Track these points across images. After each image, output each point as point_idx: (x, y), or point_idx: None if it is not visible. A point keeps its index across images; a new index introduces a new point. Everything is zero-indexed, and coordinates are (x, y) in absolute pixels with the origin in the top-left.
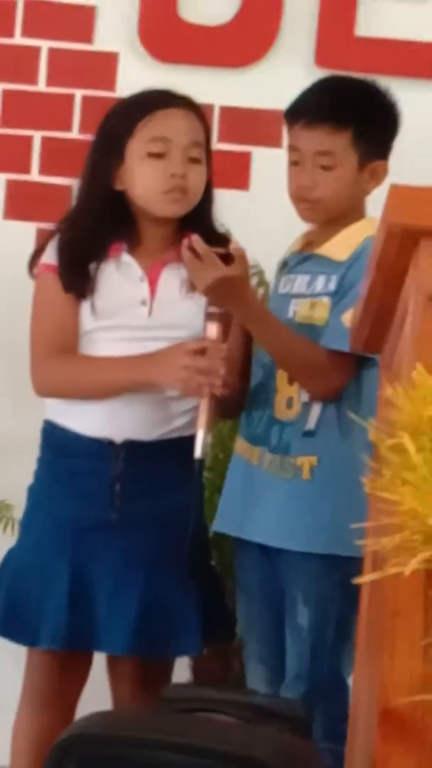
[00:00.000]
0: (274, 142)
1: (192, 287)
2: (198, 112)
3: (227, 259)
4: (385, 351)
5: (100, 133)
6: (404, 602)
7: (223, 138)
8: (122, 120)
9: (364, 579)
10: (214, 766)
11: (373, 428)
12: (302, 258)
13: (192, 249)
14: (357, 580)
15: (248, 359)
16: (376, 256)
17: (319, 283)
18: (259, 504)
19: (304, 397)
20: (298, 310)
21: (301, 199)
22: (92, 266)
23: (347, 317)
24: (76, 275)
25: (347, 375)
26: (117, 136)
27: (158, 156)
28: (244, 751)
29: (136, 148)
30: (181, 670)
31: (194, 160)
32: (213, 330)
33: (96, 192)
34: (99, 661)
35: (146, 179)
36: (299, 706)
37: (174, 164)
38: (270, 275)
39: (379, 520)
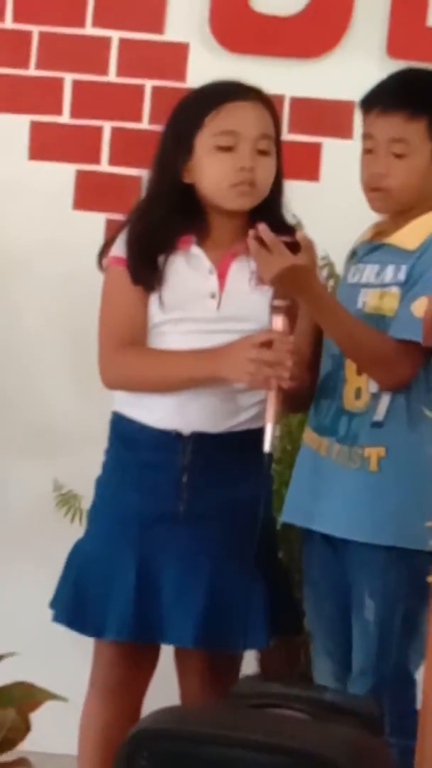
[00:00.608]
0: (344, 133)
1: (260, 279)
2: (267, 103)
3: (294, 248)
4: None
5: (169, 125)
6: None
7: (293, 129)
8: (191, 113)
9: None
10: (283, 762)
11: None
12: (372, 247)
13: (259, 238)
14: (430, 579)
15: (317, 351)
16: None
17: (389, 272)
18: (327, 494)
19: (373, 387)
20: (367, 300)
21: (373, 187)
22: (161, 259)
23: (416, 307)
24: (145, 268)
25: (416, 365)
26: (185, 129)
27: (227, 149)
28: (313, 749)
29: (205, 141)
30: (249, 663)
31: (263, 153)
32: (279, 322)
33: (165, 185)
34: (168, 653)
35: (215, 173)
36: (370, 702)
37: (242, 157)
38: (340, 267)
39: None
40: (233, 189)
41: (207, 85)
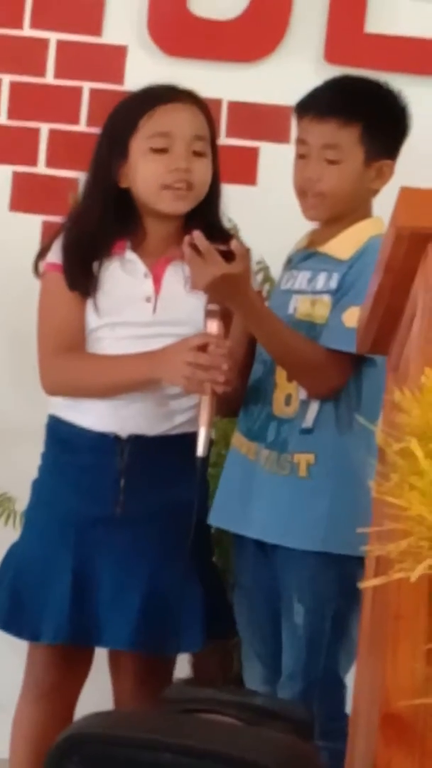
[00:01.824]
0: (282, 137)
1: (193, 284)
2: (202, 105)
3: (229, 256)
4: (392, 352)
5: (104, 130)
6: (407, 605)
7: (231, 133)
8: (124, 117)
9: (369, 584)
10: None
11: (380, 432)
12: (305, 255)
13: (193, 245)
14: (361, 585)
15: (250, 356)
16: (385, 258)
17: (321, 280)
18: (256, 500)
19: (303, 394)
20: (298, 306)
21: (305, 192)
22: (96, 264)
23: (347, 316)
24: (81, 273)
25: (346, 374)
26: (120, 133)
27: (161, 151)
28: (245, 754)
29: (139, 144)
30: (181, 666)
31: (198, 154)
32: (213, 327)
33: (100, 190)
34: (100, 656)
35: (149, 175)
36: (301, 707)
37: (177, 158)
38: (275, 271)
39: (384, 524)
40: (168, 191)
41: (141, 89)
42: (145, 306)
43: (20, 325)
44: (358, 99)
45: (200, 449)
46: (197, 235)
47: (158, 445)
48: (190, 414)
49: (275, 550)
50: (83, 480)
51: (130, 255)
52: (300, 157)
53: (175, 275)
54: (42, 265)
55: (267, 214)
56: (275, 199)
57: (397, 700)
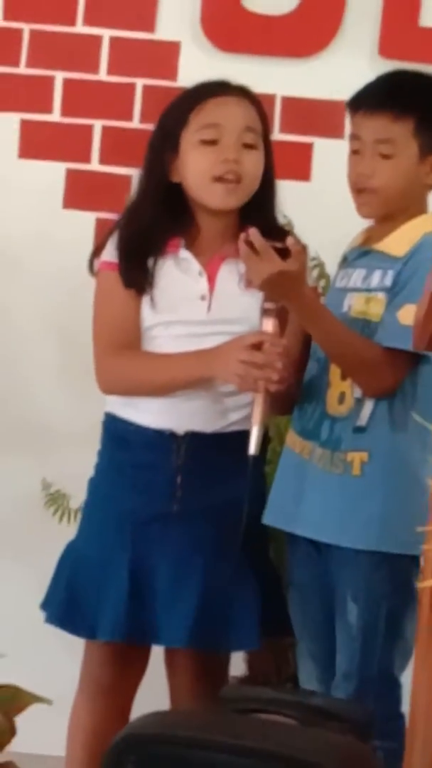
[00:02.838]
0: (336, 132)
1: (249, 282)
2: (253, 99)
3: (285, 253)
4: None
5: (157, 127)
6: None
7: (284, 128)
8: (176, 111)
9: (427, 584)
10: None
11: None
12: (361, 253)
13: (249, 242)
14: (418, 584)
15: (305, 355)
16: None
17: (375, 278)
18: (309, 498)
19: (357, 392)
20: (353, 304)
21: (359, 188)
22: (150, 261)
23: (402, 314)
24: (136, 271)
25: (402, 373)
26: (171, 128)
27: (211, 143)
28: (300, 754)
29: (190, 137)
30: (237, 664)
31: (249, 146)
32: (269, 325)
33: (153, 186)
34: (158, 654)
35: (198, 166)
36: (359, 707)
37: (226, 149)
38: (330, 267)
39: None
40: (218, 185)
41: (192, 85)
42: (200, 304)
43: (73, 323)
44: (411, 93)
45: (252, 447)
46: (253, 232)
47: (214, 442)
48: (246, 411)
49: (329, 549)
50: (140, 477)
51: (184, 253)
52: (354, 152)
53: (230, 273)
54: (97, 264)
55: (321, 210)
56: (329, 195)
57: None
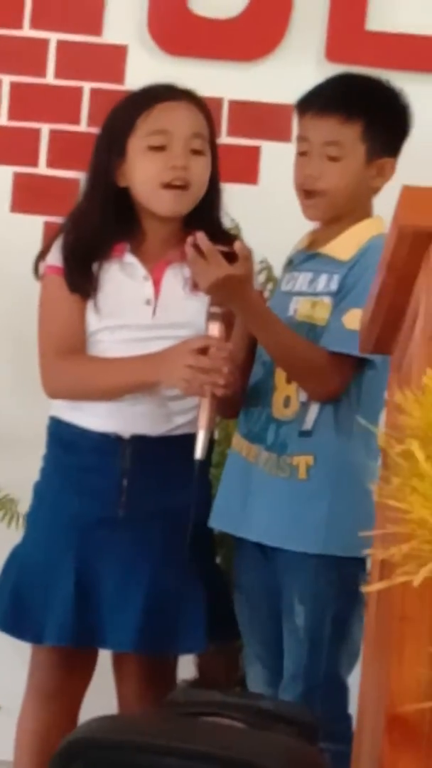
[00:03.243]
0: (283, 136)
1: (195, 285)
2: (200, 104)
3: (231, 257)
4: (395, 353)
5: (102, 130)
6: (412, 608)
7: (232, 132)
8: (123, 116)
9: (373, 587)
10: None
11: (382, 434)
12: (306, 256)
13: (196, 246)
14: (365, 588)
15: (250, 358)
16: (387, 257)
17: (321, 281)
18: (256, 502)
19: (302, 396)
20: (298, 308)
21: (305, 190)
22: (95, 266)
23: (348, 319)
24: (81, 275)
25: (347, 377)
26: (118, 132)
27: (159, 149)
28: (249, 757)
29: (137, 143)
30: (187, 668)
31: (196, 152)
32: (215, 329)
33: (99, 190)
34: (105, 657)
35: (147, 172)
36: (306, 710)
37: (175, 156)
38: (278, 271)
39: (386, 527)
40: (167, 191)
41: (140, 89)
42: (145, 309)
43: (22, 328)
44: (360, 96)
45: (198, 452)
46: (200, 236)
47: (160, 445)
48: (191, 415)
49: (275, 552)
50: (85, 481)
51: (130, 258)
52: (301, 154)
53: (175, 278)
54: (42, 267)
55: (269, 213)
56: (277, 198)
57: (403, 702)
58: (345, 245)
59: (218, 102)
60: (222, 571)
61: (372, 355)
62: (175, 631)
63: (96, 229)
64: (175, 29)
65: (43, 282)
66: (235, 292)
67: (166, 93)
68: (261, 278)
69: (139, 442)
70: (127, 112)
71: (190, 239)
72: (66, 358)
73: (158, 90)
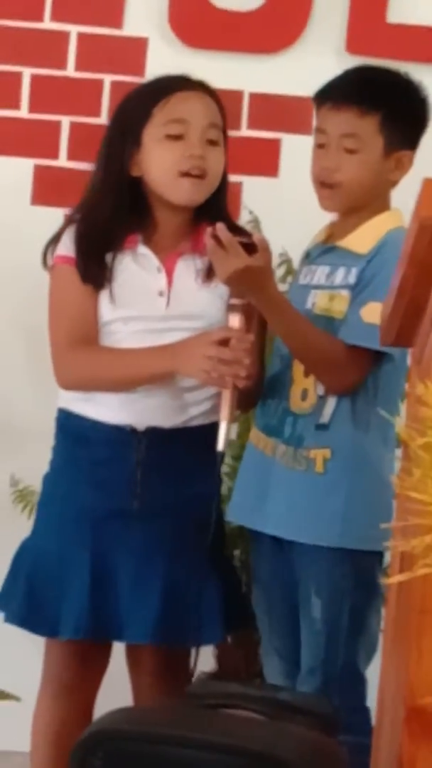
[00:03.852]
0: (303, 128)
1: (209, 275)
2: (214, 95)
3: (250, 249)
4: (415, 346)
5: (115, 120)
6: None
7: (252, 124)
8: (138, 105)
9: (394, 579)
10: (236, 763)
11: (403, 426)
12: (324, 249)
13: (216, 237)
14: (386, 581)
15: (263, 350)
16: (408, 250)
17: (339, 275)
18: (272, 495)
19: (320, 389)
20: (316, 301)
21: (323, 182)
22: (109, 256)
23: (366, 312)
24: (94, 266)
25: (364, 371)
26: (133, 122)
27: (176, 138)
28: (267, 749)
29: (154, 131)
30: (206, 660)
31: (212, 143)
32: (236, 321)
33: (112, 180)
34: (119, 651)
35: (164, 161)
36: (325, 702)
37: (192, 145)
38: (298, 264)
39: (407, 519)
40: (185, 179)
41: (154, 79)
42: (159, 300)
43: (40, 320)
44: (378, 88)
45: (221, 444)
46: (220, 227)
47: (174, 437)
48: (205, 406)
49: (292, 545)
50: (99, 473)
51: (143, 249)
52: (319, 146)
53: (187, 269)
54: (51, 257)
55: (289, 206)
56: (297, 191)
57: (423, 695)
58: (363, 238)
59: (239, 94)
60: (232, 562)
61: (390, 348)
62: (192, 622)
63: (108, 219)
64: (196, 22)
65: (53, 272)
66: (254, 284)
67: (182, 83)
68: (281, 271)
69: (154, 434)
70: (142, 101)
71: (209, 230)
72: (79, 348)
73: (174, 80)
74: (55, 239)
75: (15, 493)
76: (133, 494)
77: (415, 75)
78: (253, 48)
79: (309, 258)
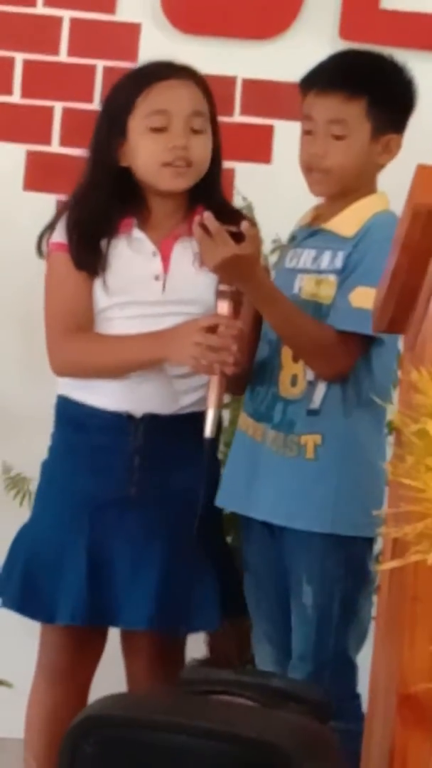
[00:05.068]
0: (296, 115)
1: (203, 264)
2: (199, 81)
3: (238, 237)
4: (408, 332)
5: (103, 109)
6: (425, 587)
7: (245, 110)
8: (122, 96)
9: (386, 566)
10: (229, 749)
11: (397, 413)
12: (310, 232)
13: (203, 226)
14: (378, 567)
15: (257, 337)
16: (401, 237)
17: (325, 258)
18: (263, 481)
19: (309, 375)
20: (303, 286)
21: (311, 168)
22: (103, 243)
23: (354, 297)
24: (88, 252)
25: (355, 356)
26: (118, 113)
27: (159, 130)
28: (259, 735)
29: (137, 123)
30: (198, 647)
31: (197, 131)
32: (224, 307)
33: (102, 169)
34: (113, 636)
35: (148, 153)
36: (317, 689)
37: (175, 136)
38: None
39: (400, 506)
40: (167, 169)
41: (138, 67)
42: (155, 285)
43: (33, 307)
44: (363, 72)
45: (208, 430)
46: (207, 216)
47: (171, 424)
48: (198, 395)
49: (282, 531)
50: (96, 460)
51: (138, 233)
52: (306, 133)
53: (184, 253)
54: (46, 245)
55: (282, 191)
56: (290, 176)
57: (415, 682)
58: (348, 221)
59: (231, 80)
60: (229, 549)
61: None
62: (189, 609)
63: (100, 206)
64: (189, 7)
65: (48, 260)
66: (242, 272)
67: (165, 71)
68: (274, 257)
69: (151, 420)
70: (126, 91)
71: (197, 219)
72: (73, 335)
73: (156, 68)
74: (50, 227)
75: (7, 481)
76: (131, 481)
77: (408, 61)
78: (246, 34)
79: (295, 241)
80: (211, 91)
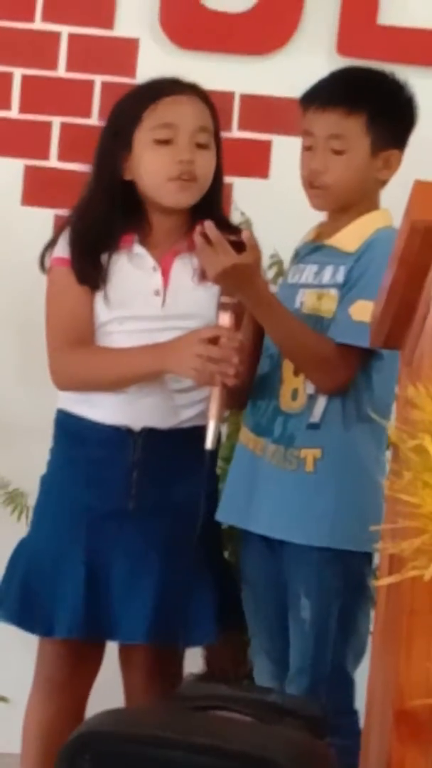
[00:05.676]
0: (294, 130)
1: (203, 274)
2: (205, 98)
3: (239, 247)
4: (406, 347)
5: (108, 123)
6: (422, 602)
7: (243, 126)
8: (128, 109)
9: (383, 582)
10: (225, 765)
11: (394, 428)
12: (312, 248)
13: (204, 235)
14: (375, 583)
15: (259, 350)
16: (399, 252)
17: (327, 273)
18: (262, 495)
19: (310, 389)
20: (305, 300)
21: (312, 184)
22: (104, 257)
23: (354, 310)
24: (90, 266)
25: (354, 369)
26: (124, 126)
27: (165, 143)
28: (256, 751)
29: (143, 136)
30: (195, 661)
31: (202, 146)
32: (226, 319)
33: (105, 183)
34: (110, 649)
35: (153, 166)
36: (314, 704)
37: (181, 150)
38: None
39: (397, 521)
40: (172, 183)
41: (145, 82)
42: (155, 300)
43: (30, 320)
44: (363, 88)
45: (209, 442)
46: (208, 225)
47: (170, 438)
48: (198, 408)
49: (281, 545)
50: (95, 473)
51: (138, 249)
52: (306, 148)
53: (183, 268)
54: (48, 260)
55: (280, 207)
56: (288, 192)
57: (411, 697)
58: (351, 237)
59: (229, 96)
60: (228, 563)
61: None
62: (186, 622)
63: (102, 220)
64: (187, 23)
65: (50, 274)
66: (242, 282)
67: (172, 86)
68: (272, 272)
69: (150, 434)
70: (133, 105)
71: (198, 228)
72: (75, 349)
73: (164, 83)
74: (52, 242)
75: (4, 495)
76: (129, 494)
77: (406, 77)
78: (244, 49)
79: (298, 257)
80: (216, 109)
